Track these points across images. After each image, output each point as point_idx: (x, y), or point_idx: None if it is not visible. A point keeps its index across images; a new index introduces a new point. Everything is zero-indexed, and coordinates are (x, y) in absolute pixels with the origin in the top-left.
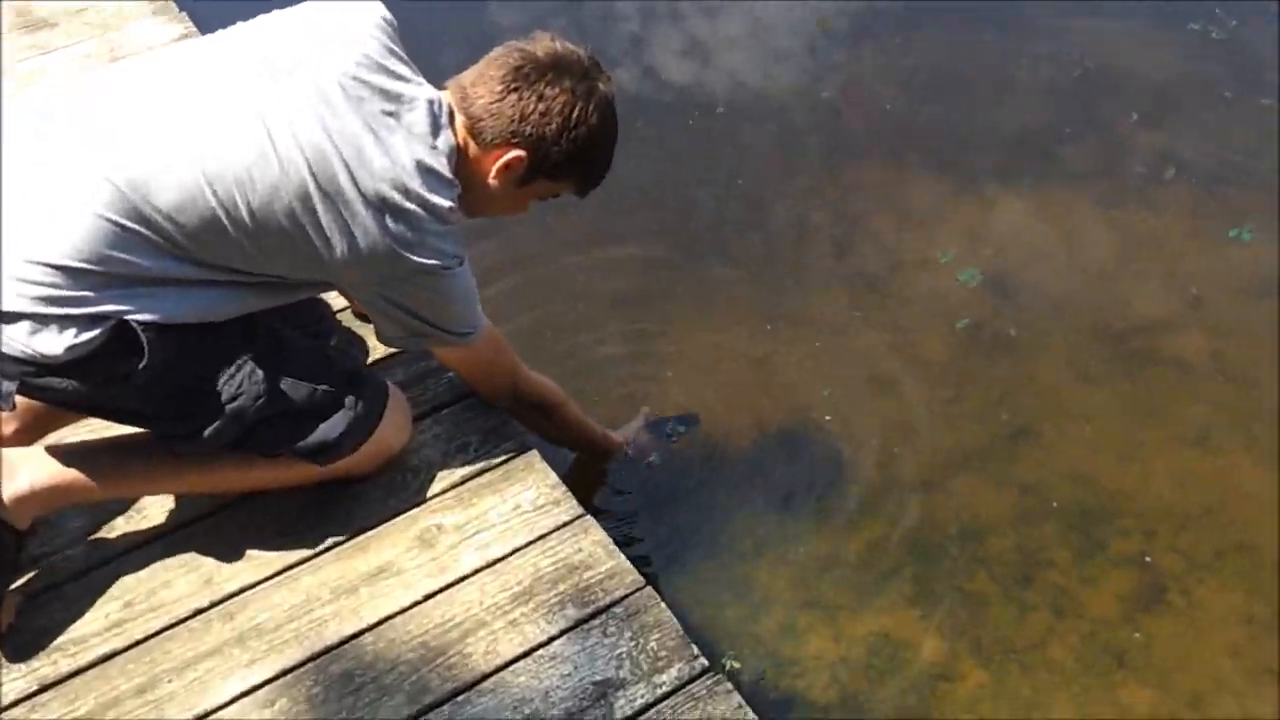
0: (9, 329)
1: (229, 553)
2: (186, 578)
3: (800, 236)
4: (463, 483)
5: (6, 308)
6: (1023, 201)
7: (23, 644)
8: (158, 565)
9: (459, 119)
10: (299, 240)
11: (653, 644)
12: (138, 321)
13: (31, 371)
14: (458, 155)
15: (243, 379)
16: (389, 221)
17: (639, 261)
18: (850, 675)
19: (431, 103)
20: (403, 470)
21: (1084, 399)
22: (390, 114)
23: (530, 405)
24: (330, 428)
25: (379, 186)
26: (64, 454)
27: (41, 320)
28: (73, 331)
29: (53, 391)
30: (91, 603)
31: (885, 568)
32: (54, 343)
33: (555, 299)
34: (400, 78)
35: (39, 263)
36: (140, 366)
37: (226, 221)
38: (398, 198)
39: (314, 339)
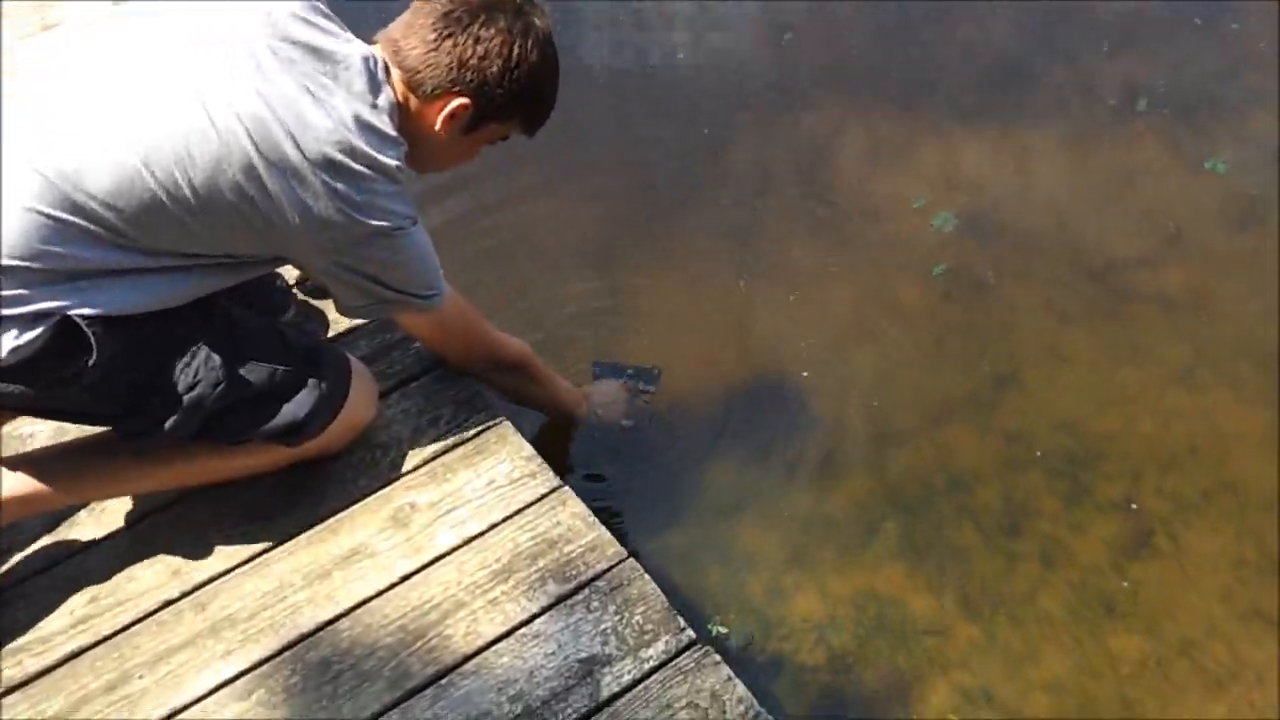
0: None
1: (195, 542)
2: (152, 569)
3: (768, 186)
4: (435, 458)
5: None
6: (994, 141)
7: None
8: (122, 558)
9: (395, 74)
10: (247, 215)
11: (638, 618)
12: (82, 316)
13: None
14: (399, 111)
15: (198, 367)
16: (338, 185)
17: (603, 216)
18: (838, 636)
19: (366, 59)
20: (371, 447)
21: (1065, 341)
22: (325, 74)
23: (502, 366)
24: (296, 408)
25: (324, 149)
26: (25, 463)
27: None
28: (13, 333)
29: (4, 398)
30: (56, 600)
31: (870, 523)
32: None
33: (516, 257)
34: (330, 34)
35: None
36: (89, 364)
37: (169, 203)
38: (344, 159)
39: (268, 316)
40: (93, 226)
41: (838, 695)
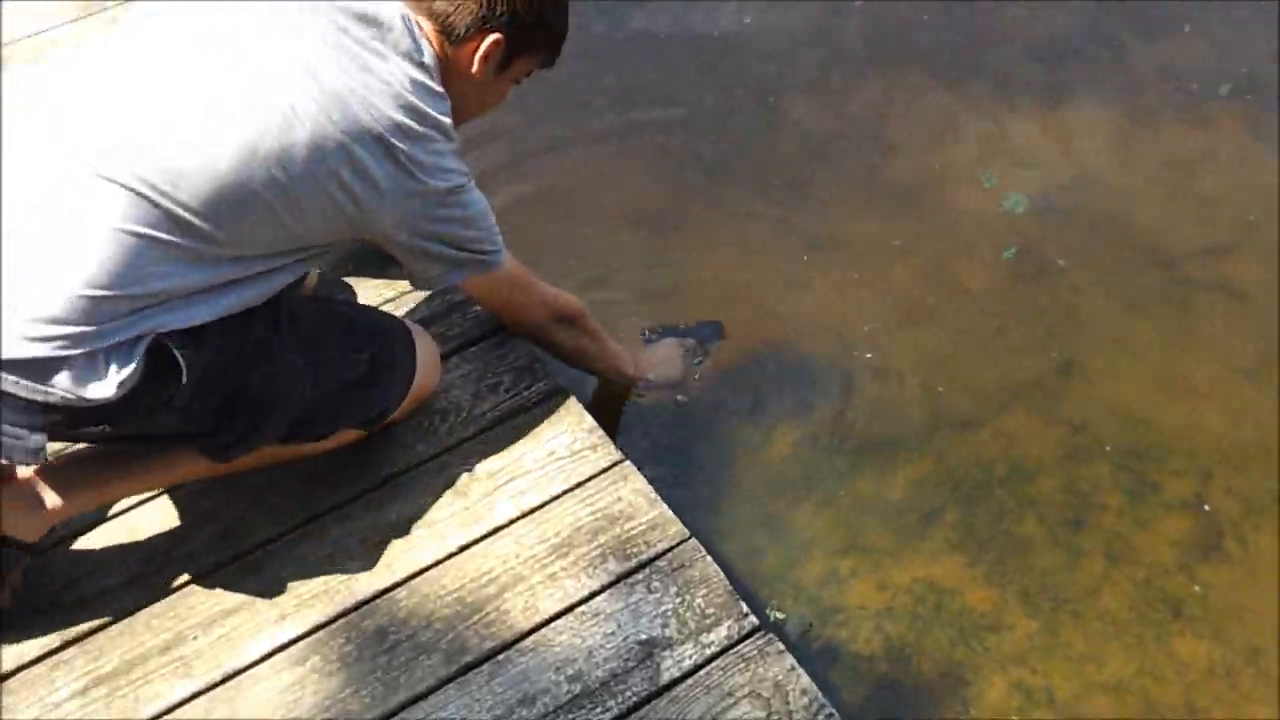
0: (44, 380)
1: (249, 504)
2: (205, 530)
3: (834, 158)
4: (493, 426)
5: (31, 354)
6: (1067, 120)
7: (41, 598)
8: (175, 517)
9: (425, 25)
10: (340, 201)
11: (699, 600)
12: (170, 337)
13: (62, 420)
14: (439, 65)
15: (283, 371)
16: (411, 150)
17: (661, 184)
18: (895, 625)
19: (404, 18)
20: (430, 413)
21: (1133, 331)
22: (376, 39)
23: (561, 320)
24: (381, 396)
25: (393, 116)
26: (78, 463)
27: (77, 363)
28: (114, 367)
29: (84, 436)
30: (110, 556)
31: (929, 510)
32: (102, 386)
33: (569, 223)
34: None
35: (56, 298)
36: (182, 386)
37: (269, 201)
38: (411, 123)
39: (326, 301)
40: (188, 242)
41: (894, 686)
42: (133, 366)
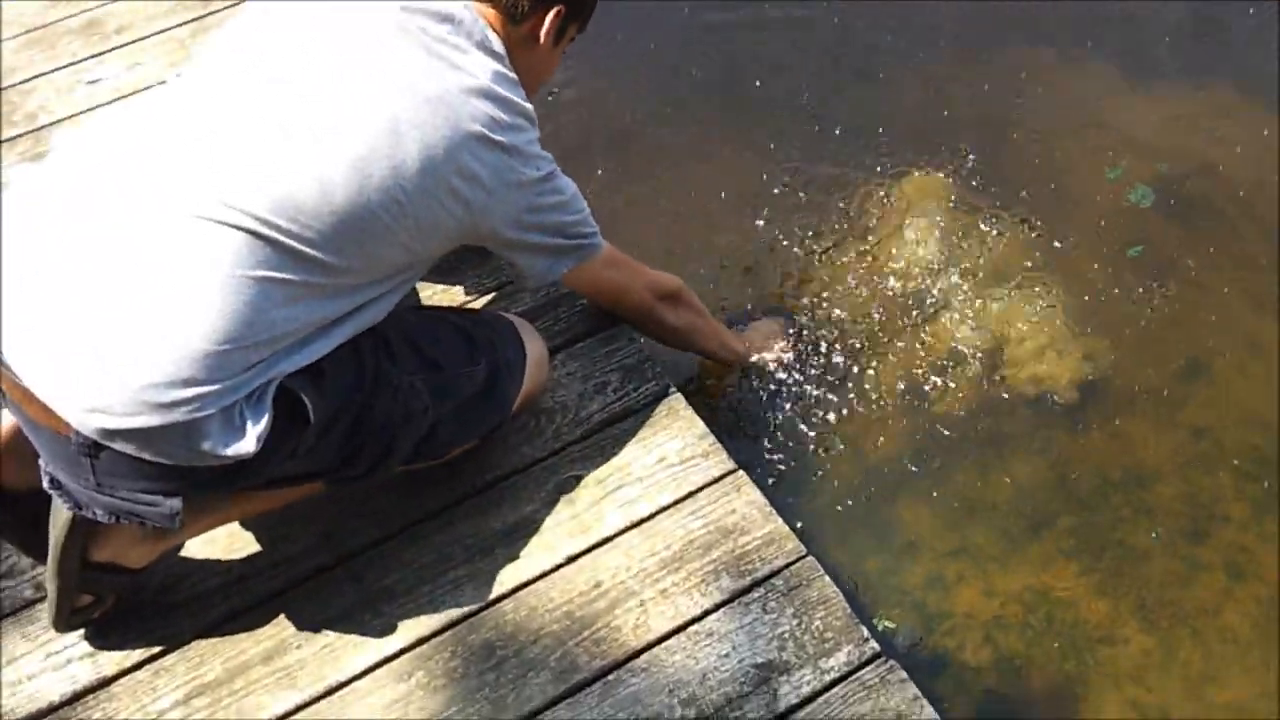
0: (179, 445)
1: (350, 508)
2: (306, 531)
3: (943, 141)
4: (601, 429)
5: (163, 421)
6: (1196, 107)
7: (142, 601)
8: (274, 520)
9: (486, 10)
10: (452, 208)
11: (817, 623)
12: (293, 379)
13: (194, 481)
14: (505, 48)
15: (405, 399)
16: (508, 142)
17: (761, 171)
18: (1005, 636)
19: (467, 7)
20: (535, 413)
21: (1263, 333)
22: (452, 33)
23: (666, 298)
24: (499, 405)
25: (487, 110)
26: None
27: (213, 423)
28: (250, 420)
29: (214, 491)
30: (209, 559)
31: (1040, 515)
32: (242, 443)
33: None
34: None
35: (183, 358)
36: (307, 430)
37: (388, 222)
38: (503, 115)
39: (434, 313)
40: (311, 278)
41: (1004, 700)
42: (266, 418)
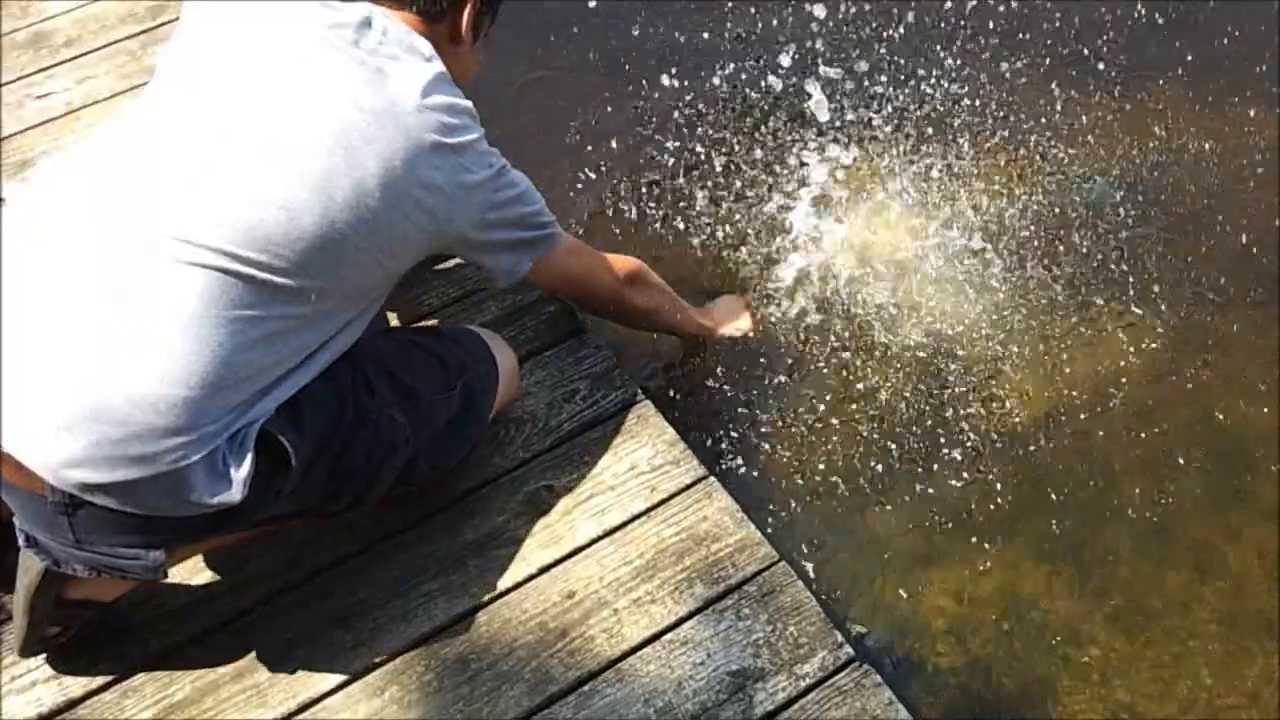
0: (163, 495)
1: (319, 523)
2: (274, 550)
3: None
4: (571, 438)
5: (146, 473)
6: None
7: (109, 622)
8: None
9: (401, 14)
10: (416, 219)
11: (792, 629)
12: (272, 421)
13: (178, 531)
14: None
15: (385, 433)
16: (458, 144)
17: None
18: (976, 637)
19: (386, 15)
20: (504, 423)
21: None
22: (384, 43)
23: (631, 280)
24: (477, 425)
25: (436, 117)
26: None
27: (196, 470)
28: (232, 466)
29: (198, 539)
30: (176, 578)
31: (1010, 518)
32: (228, 492)
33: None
34: (351, 2)
35: (160, 405)
36: (290, 473)
37: (359, 241)
38: (449, 119)
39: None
40: (288, 309)
41: (976, 701)
42: (249, 461)
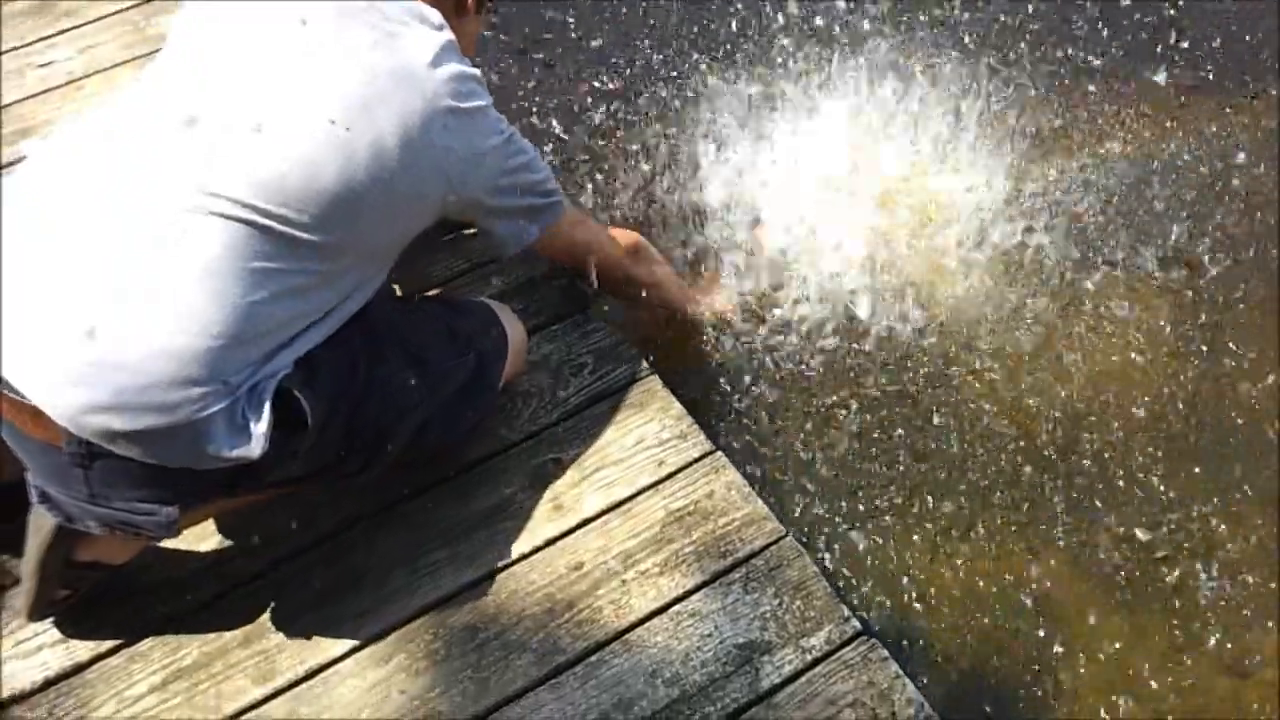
0: (180, 448)
1: (327, 490)
2: (281, 516)
3: None
4: (578, 411)
5: (165, 423)
6: None
7: (116, 586)
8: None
9: None
10: (433, 180)
11: (798, 603)
12: (289, 379)
13: (194, 486)
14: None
15: (398, 397)
16: (470, 108)
17: None
18: (981, 614)
19: None
20: (512, 395)
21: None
22: (392, 12)
23: (633, 251)
24: (489, 393)
25: (448, 84)
26: None
27: (216, 422)
28: (252, 420)
29: (212, 498)
30: (184, 543)
31: (1016, 498)
32: (247, 445)
33: None
34: None
35: (183, 356)
36: (305, 432)
37: (377, 200)
38: (460, 86)
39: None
40: (302, 265)
41: (981, 677)
42: (267, 417)
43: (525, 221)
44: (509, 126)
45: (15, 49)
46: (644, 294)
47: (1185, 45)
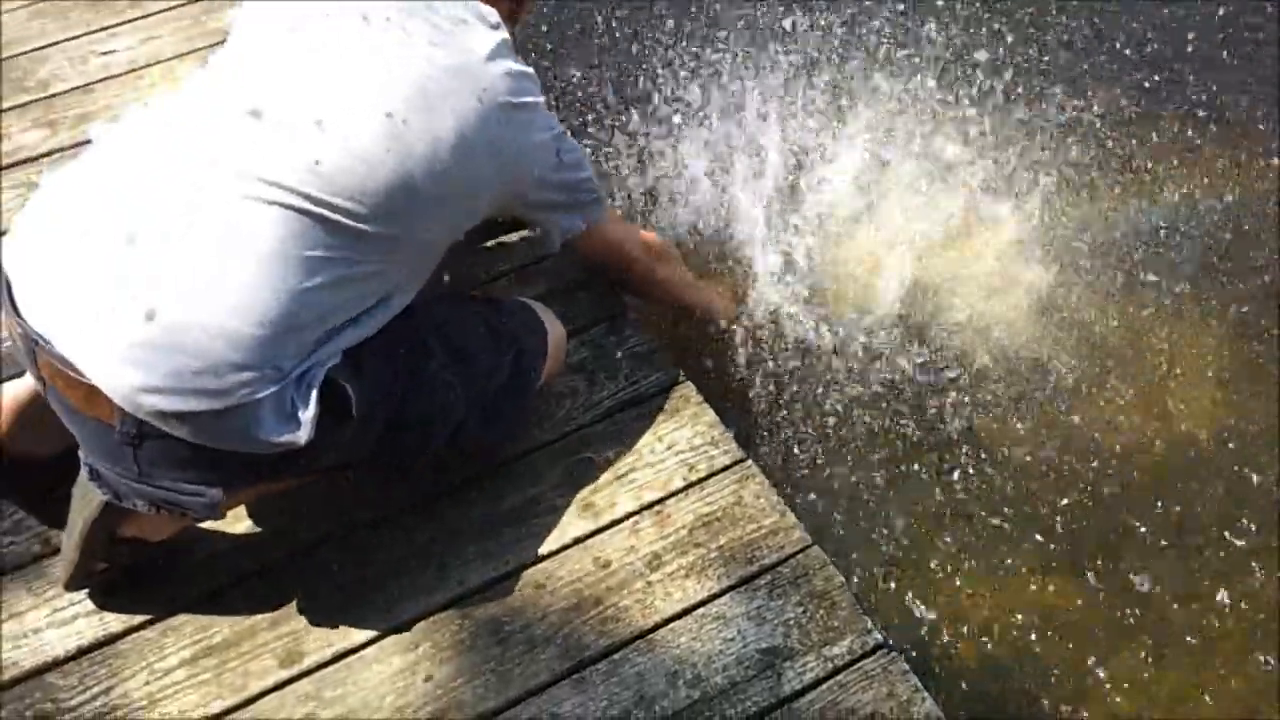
0: (231, 431)
1: (358, 482)
2: (314, 501)
3: None
4: (611, 414)
5: (216, 406)
6: None
7: (152, 561)
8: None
9: None
10: (486, 175)
11: (822, 612)
12: (336, 370)
13: (240, 470)
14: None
15: (439, 394)
16: (525, 103)
17: None
18: (1002, 632)
19: None
20: (547, 396)
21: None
22: (451, 10)
23: (661, 255)
24: (527, 395)
25: (505, 80)
26: None
27: (265, 407)
28: (300, 406)
29: (256, 482)
30: (219, 523)
31: (1038, 517)
32: (296, 431)
33: None
34: None
35: (236, 341)
36: (350, 421)
37: (432, 193)
38: (516, 83)
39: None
40: (355, 255)
41: (1000, 695)
42: (314, 405)
43: (573, 215)
44: (559, 124)
45: (78, 37)
46: (671, 295)
47: None
